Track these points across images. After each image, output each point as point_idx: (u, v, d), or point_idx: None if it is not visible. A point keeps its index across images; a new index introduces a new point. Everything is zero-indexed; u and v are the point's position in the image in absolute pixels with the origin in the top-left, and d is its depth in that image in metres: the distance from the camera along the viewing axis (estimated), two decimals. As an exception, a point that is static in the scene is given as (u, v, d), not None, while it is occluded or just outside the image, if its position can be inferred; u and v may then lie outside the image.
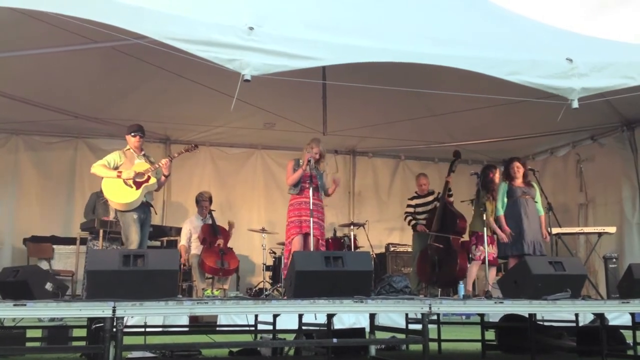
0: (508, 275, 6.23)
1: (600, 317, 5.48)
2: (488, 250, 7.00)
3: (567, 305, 5.07)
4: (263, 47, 4.63)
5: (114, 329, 3.90)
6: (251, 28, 4.62)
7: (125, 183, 6.17)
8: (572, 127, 8.66)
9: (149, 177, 6.27)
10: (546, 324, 6.71)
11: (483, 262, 7.06)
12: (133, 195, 6.17)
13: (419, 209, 8.76)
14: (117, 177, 6.16)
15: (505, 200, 7.20)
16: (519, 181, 7.24)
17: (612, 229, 8.19)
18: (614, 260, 7.29)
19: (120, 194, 6.15)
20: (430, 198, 8.70)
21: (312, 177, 6.60)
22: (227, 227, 8.59)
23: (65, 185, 9.36)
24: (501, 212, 7.17)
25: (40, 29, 5.26)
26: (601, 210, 9.29)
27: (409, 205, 8.93)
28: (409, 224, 8.86)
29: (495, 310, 5.79)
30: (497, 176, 7.43)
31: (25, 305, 3.96)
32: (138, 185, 6.21)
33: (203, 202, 8.61)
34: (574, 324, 6.52)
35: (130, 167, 6.27)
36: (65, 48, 5.79)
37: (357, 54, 5.01)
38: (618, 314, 6.87)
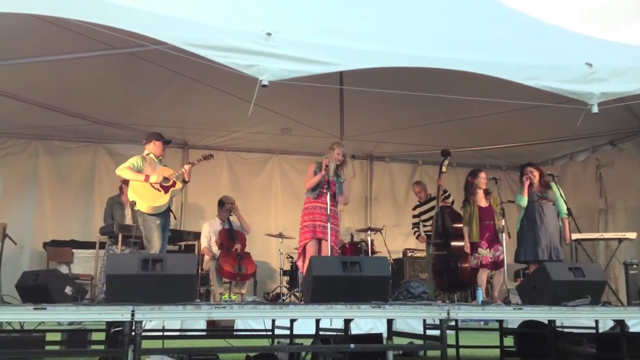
0: (527, 281, 6.18)
1: (620, 323, 5.40)
2: (483, 254, 7.02)
3: (586, 311, 5.02)
4: (280, 52, 4.66)
5: (133, 333, 3.92)
6: (269, 34, 4.65)
7: (153, 187, 6.22)
8: (592, 132, 8.59)
9: (174, 182, 6.33)
10: (565, 330, 6.63)
11: (484, 266, 7.05)
12: (163, 199, 6.24)
13: (424, 217, 8.73)
14: (144, 180, 6.21)
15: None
16: (535, 186, 7.19)
17: (632, 235, 8.08)
18: (635, 266, 7.21)
19: (149, 197, 6.21)
20: (433, 203, 8.62)
21: (329, 182, 6.58)
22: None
23: (84, 189, 9.43)
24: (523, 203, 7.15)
25: (60, 35, 5.32)
26: (621, 216, 9.19)
27: (413, 216, 8.93)
28: (414, 234, 8.86)
29: (514, 316, 5.74)
30: (480, 181, 7.35)
31: (45, 308, 4.00)
32: (166, 189, 6.27)
33: (229, 205, 8.59)
34: (593, 331, 6.43)
35: (152, 172, 6.33)
36: (85, 54, 5.84)
37: (374, 59, 5.01)
38: (639, 321, 6.78)
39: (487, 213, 7.27)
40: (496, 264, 7.15)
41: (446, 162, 7.99)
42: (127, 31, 4.50)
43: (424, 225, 8.70)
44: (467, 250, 7.17)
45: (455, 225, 7.68)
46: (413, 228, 8.95)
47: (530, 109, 6.97)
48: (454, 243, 7.58)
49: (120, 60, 6.38)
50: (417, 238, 8.89)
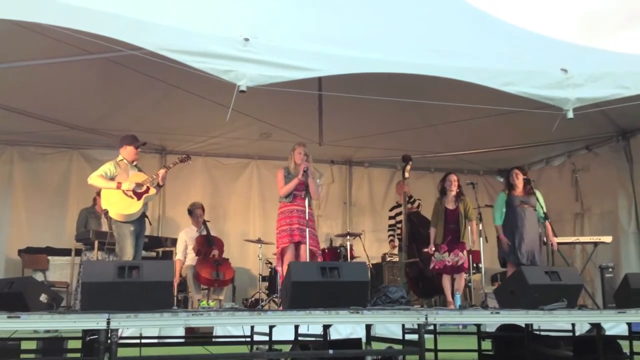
0: (504, 285, 6.21)
1: (596, 327, 5.46)
2: (442, 258, 7.12)
3: (563, 315, 5.05)
4: (259, 58, 4.63)
5: (109, 341, 3.87)
6: (247, 39, 4.62)
7: (125, 194, 6.14)
8: (568, 137, 8.70)
9: (148, 188, 6.25)
10: (543, 333, 6.68)
11: (444, 271, 7.08)
12: (135, 207, 6.15)
13: (399, 218, 8.73)
14: (117, 188, 6.13)
15: (504, 210, 7.21)
16: (518, 190, 7.26)
17: (608, 239, 8.20)
18: (610, 269, 7.31)
19: (121, 205, 6.12)
20: (410, 206, 8.64)
21: (307, 186, 6.58)
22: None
23: (60, 196, 9.33)
24: (498, 222, 7.20)
25: (36, 40, 5.26)
26: (597, 220, 9.32)
27: (390, 217, 8.92)
28: (388, 238, 8.86)
29: (492, 320, 5.78)
30: (448, 183, 7.37)
31: (19, 317, 3.93)
32: (139, 196, 6.19)
33: (197, 210, 8.56)
34: (570, 334, 6.49)
35: (125, 178, 6.25)
36: (61, 59, 5.79)
37: (352, 65, 5.01)
38: (614, 324, 6.86)
39: (452, 216, 7.28)
40: (456, 269, 7.17)
41: (408, 167, 7.86)
42: (102, 36, 4.46)
43: (397, 228, 8.72)
44: (430, 251, 7.20)
45: (423, 231, 7.76)
46: (389, 231, 8.94)
47: (507, 115, 7.06)
48: (425, 250, 7.60)
49: (97, 65, 6.32)
50: (389, 242, 8.88)
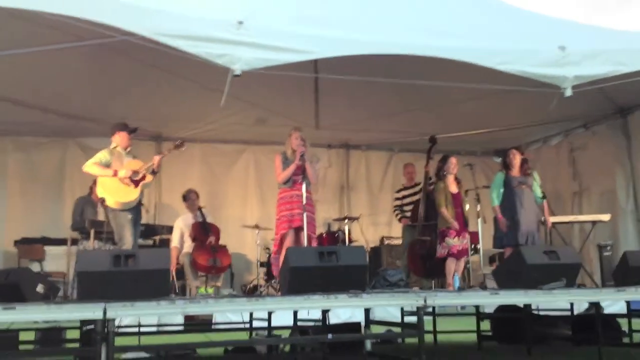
0: (503, 265, 6.21)
1: (595, 305, 5.46)
2: (453, 243, 7.04)
3: (562, 294, 5.05)
4: (253, 41, 4.57)
5: (106, 331, 3.85)
6: (240, 22, 4.55)
7: (122, 182, 6.10)
8: (565, 116, 8.64)
9: (144, 175, 6.21)
10: (541, 313, 6.69)
11: (451, 255, 7.06)
12: (133, 194, 6.12)
13: (406, 200, 8.73)
14: (113, 175, 6.08)
15: (502, 190, 7.17)
16: (515, 171, 7.22)
17: (606, 217, 8.17)
18: (609, 248, 7.30)
19: (119, 193, 6.08)
20: (417, 189, 8.65)
21: (304, 170, 6.54)
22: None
23: (56, 185, 9.28)
24: (496, 203, 7.16)
25: (27, 27, 5.20)
26: (595, 199, 9.30)
27: (396, 198, 8.90)
28: (396, 217, 8.83)
29: (491, 301, 5.78)
30: (450, 166, 7.33)
31: (15, 308, 3.90)
32: (136, 183, 6.15)
33: (191, 195, 8.52)
34: (569, 313, 6.51)
35: (120, 165, 6.20)
36: (53, 46, 5.69)
37: (347, 47, 4.95)
38: (613, 302, 6.87)
39: (457, 200, 7.28)
40: (462, 252, 7.17)
41: (433, 149, 8.07)
42: (93, 21, 4.39)
43: (403, 211, 8.71)
44: (456, 227, 7.12)
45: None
46: (395, 210, 8.91)
47: (505, 95, 7.00)
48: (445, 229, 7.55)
49: (90, 52, 6.21)
50: (399, 220, 8.80)
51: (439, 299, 4.77)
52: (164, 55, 4.81)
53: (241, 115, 8.73)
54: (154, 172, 6.39)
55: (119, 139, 6.34)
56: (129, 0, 4.56)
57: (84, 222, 7.60)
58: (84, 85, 7.47)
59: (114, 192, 6.09)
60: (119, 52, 6.06)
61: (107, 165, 6.15)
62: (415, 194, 8.65)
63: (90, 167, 6.13)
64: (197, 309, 4.33)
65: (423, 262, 7.85)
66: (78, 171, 8.58)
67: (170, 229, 8.70)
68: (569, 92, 5.25)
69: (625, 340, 6.08)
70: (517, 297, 5.13)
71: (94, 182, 7.18)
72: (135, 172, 6.17)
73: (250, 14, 4.67)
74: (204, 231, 8.28)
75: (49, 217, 9.11)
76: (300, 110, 8.05)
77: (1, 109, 7.64)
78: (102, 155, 6.19)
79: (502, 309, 6.49)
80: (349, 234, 9.11)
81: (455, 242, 7.10)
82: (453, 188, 7.30)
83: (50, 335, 6.14)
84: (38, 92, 7.46)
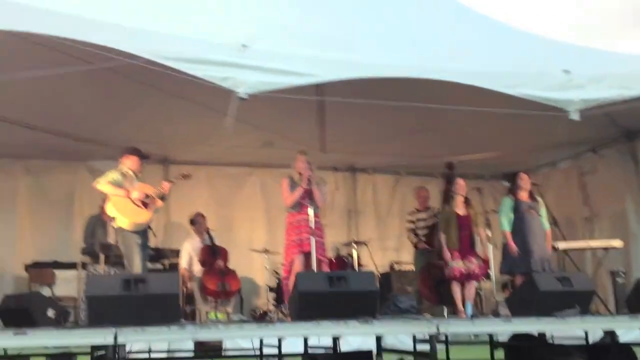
0: (516, 293, 6.14)
1: (610, 333, 5.38)
2: (455, 265, 6.95)
3: (576, 322, 4.98)
4: (257, 64, 4.59)
5: (117, 356, 3.81)
6: (244, 45, 4.58)
7: (135, 203, 6.09)
8: (573, 140, 8.61)
9: (155, 199, 6.21)
10: (555, 341, 6.59)
11: (455, 279, 6.97)
12: (145, 216, 6.11)
13: (420, 224, 8.67)
14: (126, 196, 6.07)
15: (512, 215, 7.10)
16: (525, 195, 7.15)
17: (618, 243, 8.07)
18: (622, 274, 7.19)
19: (131, 214, 6.07)
20: (430, 213, 8.61)
21: (311, 193, 6.53)
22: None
23: (66, 209, 9.25)
24: (507, 228, 7.07)
25: (35, 51, 5.21)
26: (606, 224, 9.20)
27: (409, 221, 8.84)
28: (412, 241, 8.75)
29: (504, 329, 5.69)
30: (457, 187, 7.28)
31: (26, 333, 3.88)
32: (146, 206, 6.14)
33: (199, 218, 8.50)
34: (583, 342, 6.40)
35: (131, 187, 6.20)
36: (60, 70, 5.70)
37: (352, 70, 4.96)
38: (627, 330, 6.76)
39: (464, 222, 7.19)
40: (469, 276, 7.05)
41: (451, 175, 8.04)
42: (98, 45, 4.41)
43: (417, 235, 8.65)
44: (448, 258, 7.06)
45: None
46: (408, 232, 8.85)
47: (512, 118, 6.91)
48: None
49: (97, 76, 6.18)
50: (415, 245, 8.73)
51: (452, 327, 4.71)
52: (169, 78, 4.81)
53: (247, 138, 8.71)
54: (162, 198, 6.38)
55: (130, 163, 6.35)
56: (134, 25, 4.59)
57: (94, 245, 7.57)
58: (91, 108, 7.48)
59: (127, 213, 6.08)
60: (125, 75, 6.06)
61: (119, 186, 6.14)
62: (428, 219, 8.59)
63: (103, 185, 6.12)
64: (207, 334, 4.30)
65: (436, 288, 7.76)
66: (87, 194, 8.60)
67: (178, 253, 8.65)
68: (576, 116, 5.23)
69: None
70: (530, 325, 5.07)
71: (103, 201, 7.18)
72: (147, 196, 6.17)
73: (253, 37, 4.70)
74: (212, 254, 8.23)
75: (59, 241, 9.04)
76: (306, 133, 8.04)
77: (10, 132, 7.66)
78: (115, 175, 6.19)
79: (516, 337, 6.40)
80: (358, 259, 9.03)
81: (458, 264, 6.99)
82: (461, 210, 7.23)
83: (61, 360, 6.08)
84: (47, 115, 7.46)
